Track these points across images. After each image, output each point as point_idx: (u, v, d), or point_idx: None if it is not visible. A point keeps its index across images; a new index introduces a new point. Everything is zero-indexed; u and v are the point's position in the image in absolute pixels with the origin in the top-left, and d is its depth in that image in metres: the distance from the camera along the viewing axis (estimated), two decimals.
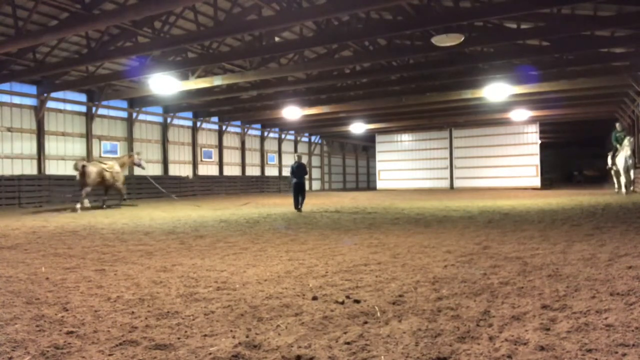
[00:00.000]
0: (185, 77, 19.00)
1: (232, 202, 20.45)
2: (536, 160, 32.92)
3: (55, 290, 4.42)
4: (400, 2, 12.36)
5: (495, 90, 20.50)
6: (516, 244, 6.77)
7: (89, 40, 15.88)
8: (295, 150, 38.27)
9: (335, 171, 44.51)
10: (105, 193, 17.00)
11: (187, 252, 6.66)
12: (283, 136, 36.74)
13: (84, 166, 15.54)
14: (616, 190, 19.52)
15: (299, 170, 14.38)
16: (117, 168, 16.73)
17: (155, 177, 22.18)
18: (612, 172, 19.72)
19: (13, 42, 13.61)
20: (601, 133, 40.94)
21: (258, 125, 33.81)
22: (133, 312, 3.67)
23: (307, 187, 14.58)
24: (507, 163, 33.73)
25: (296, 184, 14.31)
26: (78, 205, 15.37)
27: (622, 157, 17.81)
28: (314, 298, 4.00)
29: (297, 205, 14.21)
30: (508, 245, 6.67)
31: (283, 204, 17.91)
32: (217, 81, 18.80)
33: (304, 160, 15.12)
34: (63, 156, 21.10)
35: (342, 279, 4.74)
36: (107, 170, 16.10)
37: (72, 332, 3.21)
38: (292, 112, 25.35)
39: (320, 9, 12.40)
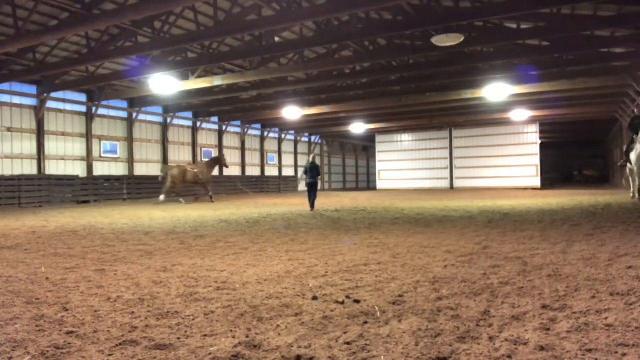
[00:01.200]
0: (185, 77, 19.00)
1: (232, 202, 20.44)
2: (536, 160, 32.92)
3: (55, 290, 4.42)
4: (400, 2, 12.35)
5: (495, 90, 20.49)
6: (516, 244, 6.77)
7: (89, 40, 15.87)
8: (295, 150, 38.29)
9: (335, 171, 44.50)
10: (198, 188, 21.29)
11: (187, 252, 6.65)
12: (283, 136, 36.72)
13: (169, 168, 19.49)
14: (631, 195, 16.17)
15: (313, 170, 14.62)
16: (204, 169, 19.87)
17: (154, 177, 22.41)
18: (627, 171, 16.33)
19: (13, 42, 13.62)
20: (601, 133, 40.99)
21: (258, 125, 33.81)
22: (133, 312, 3.67)
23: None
24: (507, 163, 33.73)
25: (310, 184, 14.60)
26: (162, 197, 18.99)
27: (636, 152, 14.63)
28: (314, 298, 4.00)
29: (313, 205, 14.50)
30: (508, 245, 6.67)
31: (283, 204, 17.91)
32: (217, 81, 18.81)
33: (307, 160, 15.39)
34: (63, 156, 21.10)
35: (342, 279, 4.74)
36: (190, 171, 19.24)
37: (72, 332, 3.21)
38: (292, 112, 25.35)
39: (320, 9, 12.41)
